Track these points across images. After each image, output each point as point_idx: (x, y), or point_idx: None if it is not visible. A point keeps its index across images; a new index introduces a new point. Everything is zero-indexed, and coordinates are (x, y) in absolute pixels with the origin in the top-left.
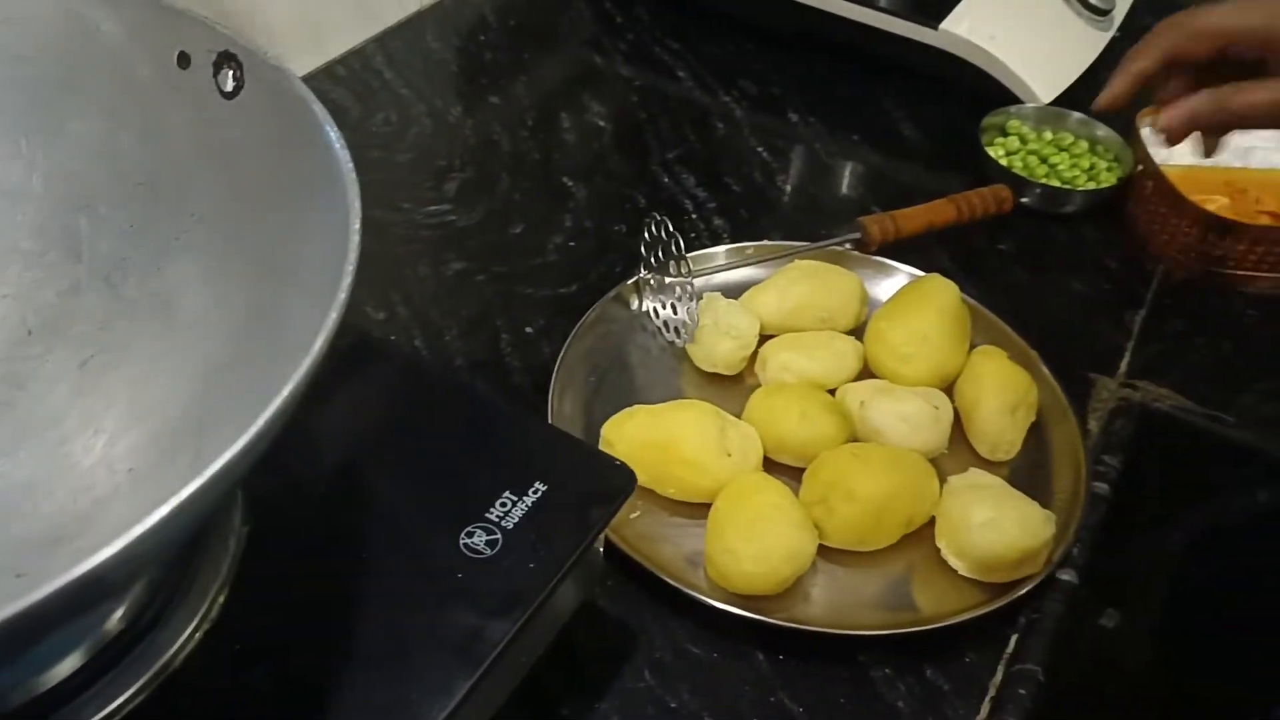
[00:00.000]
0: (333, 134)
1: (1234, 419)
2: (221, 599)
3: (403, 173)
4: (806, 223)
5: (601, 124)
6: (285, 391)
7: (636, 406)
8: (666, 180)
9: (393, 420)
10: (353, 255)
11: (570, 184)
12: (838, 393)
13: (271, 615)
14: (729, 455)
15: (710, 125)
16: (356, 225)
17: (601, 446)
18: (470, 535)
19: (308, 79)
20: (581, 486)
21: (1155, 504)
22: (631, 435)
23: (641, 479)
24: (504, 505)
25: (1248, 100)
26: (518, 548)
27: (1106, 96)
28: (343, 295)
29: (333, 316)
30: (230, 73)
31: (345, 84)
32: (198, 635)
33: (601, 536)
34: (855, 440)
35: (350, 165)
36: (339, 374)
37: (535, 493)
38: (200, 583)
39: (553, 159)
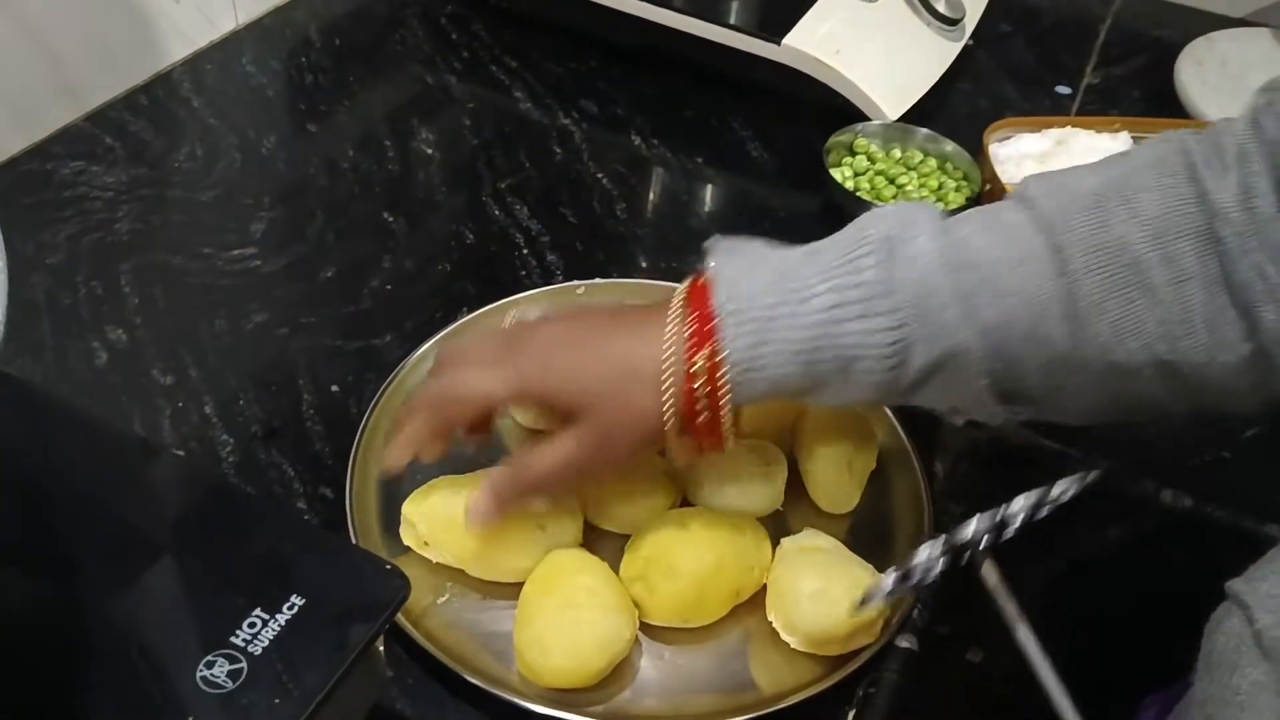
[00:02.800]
0: None
1: (1080, 454)
2: None
3: (205, 213)
4: (648, 254)
5: (430, 151)
6: None
7: (440, 479)
8: (498, 212)
9: (132, 527)
10: None
11: (391, 220)
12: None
13: None
14: (542, 529)
15: (548, 150)
16: None
17: (402, 528)
18: (210, 665)
19: (104, 109)
20: (345, 597)
21: (1003, 546)
22: (434, 513)
23: (448, 560)
24: (253, 626)
25: (536, 470)
26: (264, 678)
27: (385, 467)
28: None
29: None
30: None
31: (146, 114)
32: None
33: (378, 645)
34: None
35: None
36: (68, 470)
37: (291, 609)
38: None
39: (373, 192)
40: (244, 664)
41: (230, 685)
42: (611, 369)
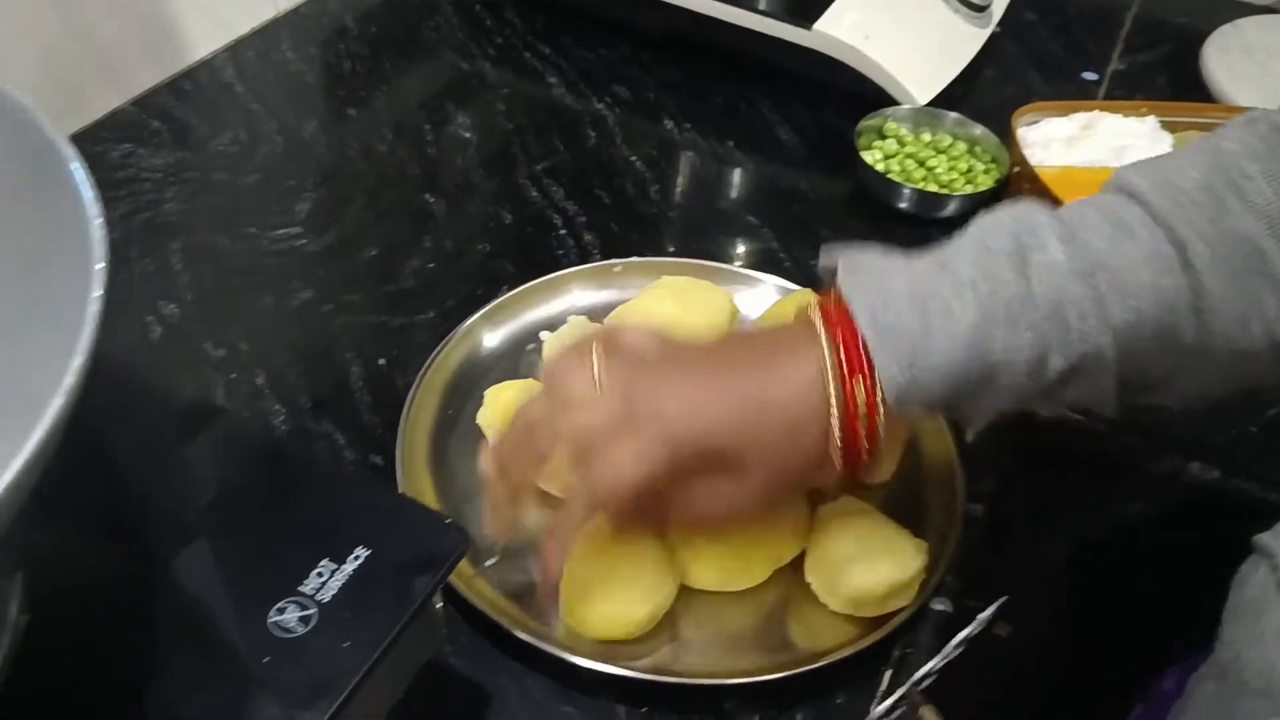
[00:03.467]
0: (80, 176)
1: (1105, 429)
2: None
3: (250, 195)
4: (680, 235)
5: (467, 135)
6: None
7: (529, 380)
8: (535, 194)
9: (202, 484)
10: (88, 330)
11: (431, 201)
12: None
13: (51, 716)
14: None
15: (581, 134)
16: (96, 294)
17: (480, 410)
18: (281, 612)
19: (149, 95)
20: (408, 550)
21: (1033, 519)
22: (506, 401)
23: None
24: (321, 575)
25: (702, 514)
26: (333, 624)
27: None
28: (61, 399)
29: (57, 404)
30: None
31: (191, 99)
32: None
33: (437, 598)
34: None
35: (98, 216)
36: (140, 435)
37: (356, 560)
38: None
39: (412, 175)
40: (314, 610)
41: (301, 630)
42: (767, 416)
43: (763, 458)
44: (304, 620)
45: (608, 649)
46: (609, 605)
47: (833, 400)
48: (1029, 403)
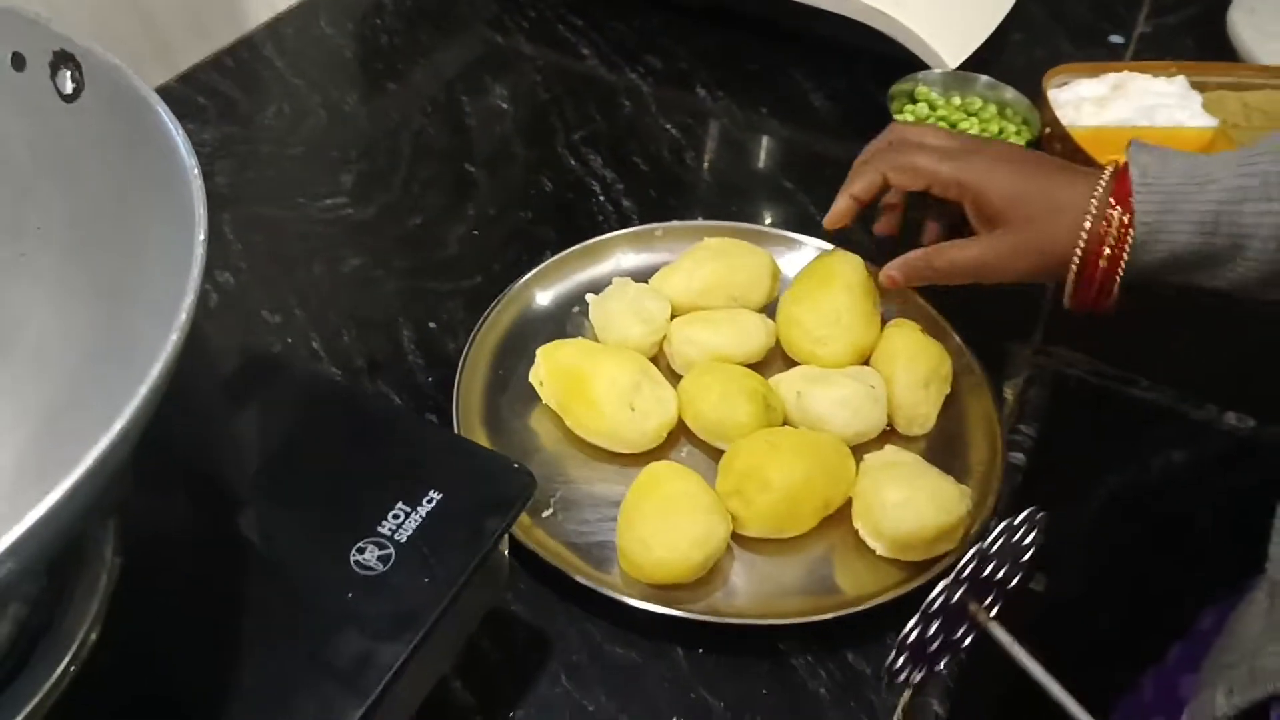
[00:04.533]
0: (178, 136)
1: (1147, 382)
2: (93, 638)
3: (296, 167)
4: (717, 200)
5: (504, 106)
6: (104, 443)
7: (579, 339)
8: (573, 163)
9: (278, 433)
10: (195, 275)
11: (472, 171)
12: (772, 382)
13: (147, 653)
14: (631, 409)
15: (617, 103)
16: (201, 237)
17: (533, 368)
18: (361, 551)
19: (193, 71)
20: (478, 493)
21: (1073, 469)
22: (557, 361)
23: (553, 403)
24: (397, 517)
25: (946, 259)
26: (411, 562)
27: (830, 217)
28: (176, 334)
29: (173, 339)
30: (68, 74)
31: (234, 75)
32: (66, 679)
33: (504, 541)
34: (786, 425)
35: (196, 170)
36: (215, 389)
37: (430, 502)
38: (69, 622)
39: (453, 145)
40: (391, 550)
41: (381, 568)
42: (1044, 196)
43: (1022, 223)
44: (383, 559)
45: (663, 593)
46: (666, 554)
47: (1093, 209)
48: (1260, 291)
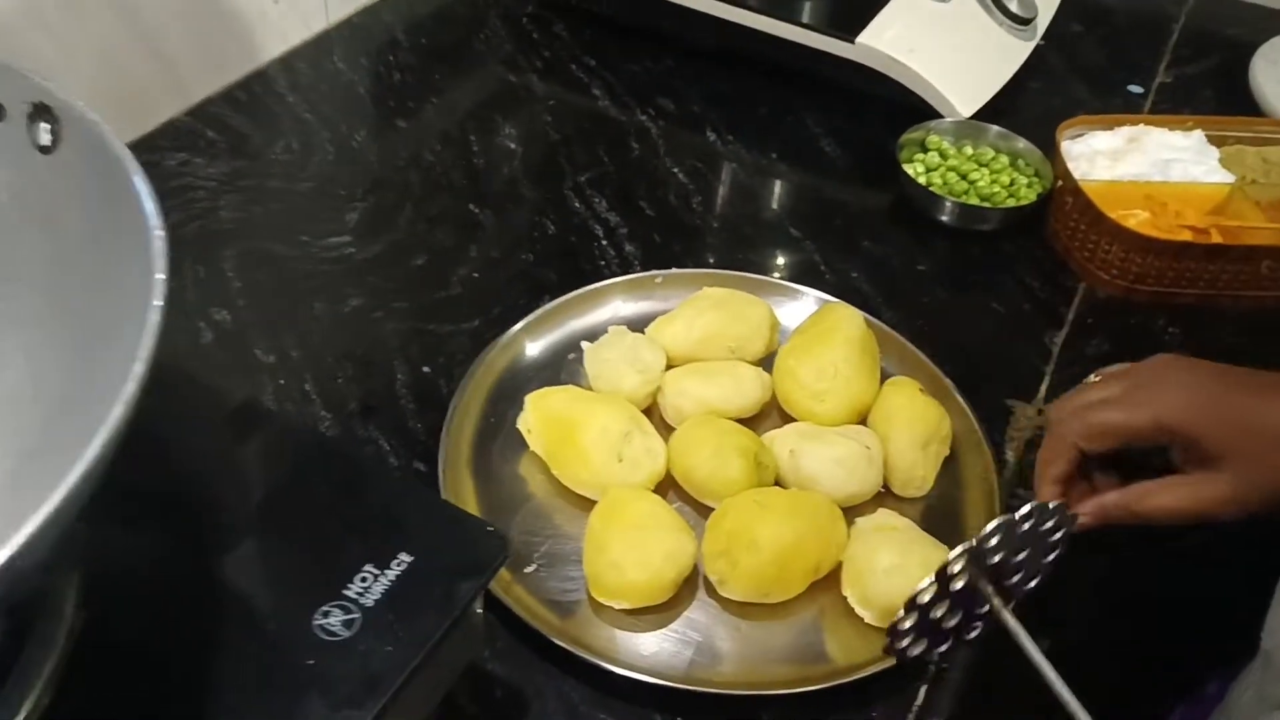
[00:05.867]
0: (143, 190)
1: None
2: (47, 700)
3: (303, 203)
4: (721, 246)
5: (513, 146)
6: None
7: (569, 386)
8: (578, 205)
9: (248, 487)
10: (148, 344)
11: (477, 211)
12: (765, 439)
13: (104, 714)
14: (619, 460)
15: (625, 145)
16: (157, 302)
17: (522, 414)
18: (326, 615)
19: (205, 104)
20: (450, 557)
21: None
22: (546, 408)
23: (541, 451)
24: (364, 580)
25: (1153, 505)
26: (377, 628)
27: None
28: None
29: (117, 412)
30: (46, 126)
31: (245, 109)
32: None
33: (479, 603)
34: (777, 485)
35: (159, 229)
36: (189, 437)
37: (399, 565)
38: (22, 680)
39: (460, 185)
40: (358, 614)
41: (345, 634)
42: (1263, 430)
43: (1245, 466)
44: (348, 624)
45: (646, 659)
46: (639, 575)
47: None
48: None
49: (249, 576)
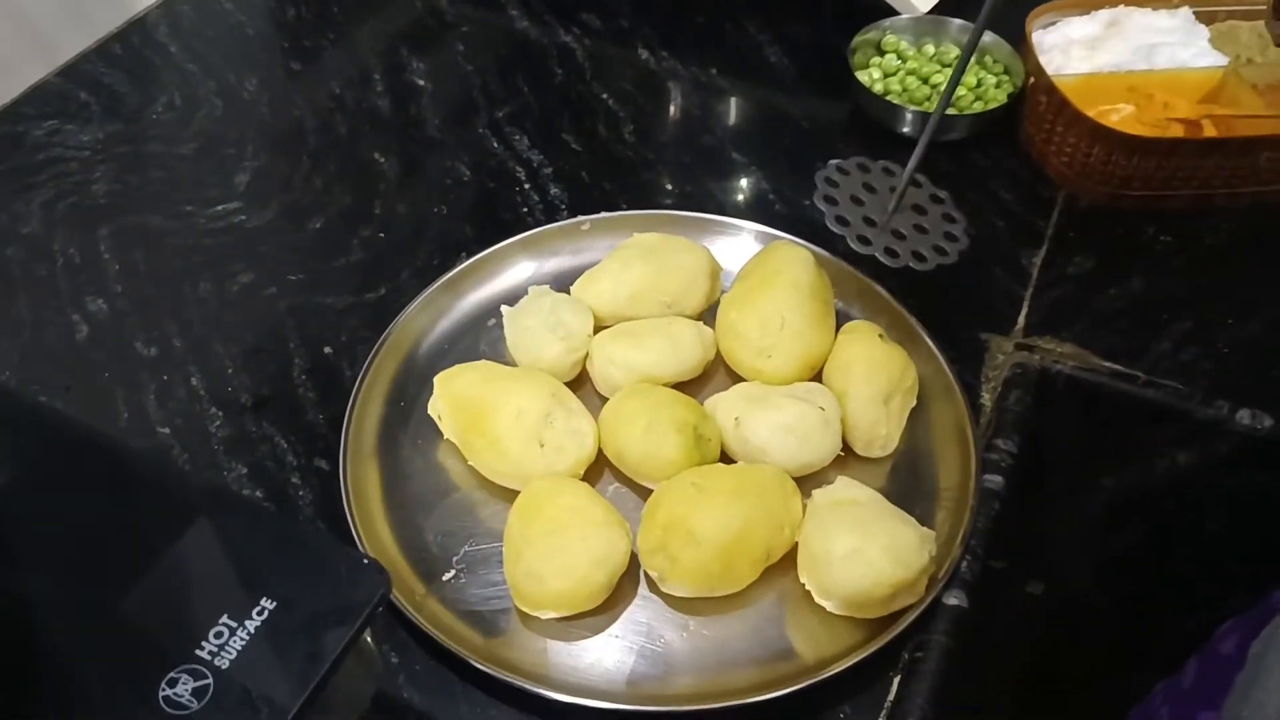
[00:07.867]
0: None
1: (1144, 375)
2: None
3: (186, 167)
4: (658, 181)
5: (421, 83)
6: None
7: (484, 362)
8: (496, 145)
9: (86, 532)
10: None
11: (381, 161)
12: (709, 405)
13: None
14: (540, 446)
15: (548, 71)
16: None
17: (432, 398)
18: (173, 684)
19: (76, 62)
20: (319, 598)
21: (1064, 474)
22: (456, 390)
23: (455, 439)
24: (219, 636)
25: None
26: (232, 695)
27: None
28: None
29: None
30: None
31: (121, 64)
32: None
33: (366, 639)
34: (724, 459)
35: None
36: (20, 480)
37: (261, 614)
38: None
39: (362, 133)
40: (210, 679)
41: (195, 705)
42: None
43: None
44: (198, 693)
45: (587, 685)
46: (563, 584)
47: None
48: None
49: (89, 644)
